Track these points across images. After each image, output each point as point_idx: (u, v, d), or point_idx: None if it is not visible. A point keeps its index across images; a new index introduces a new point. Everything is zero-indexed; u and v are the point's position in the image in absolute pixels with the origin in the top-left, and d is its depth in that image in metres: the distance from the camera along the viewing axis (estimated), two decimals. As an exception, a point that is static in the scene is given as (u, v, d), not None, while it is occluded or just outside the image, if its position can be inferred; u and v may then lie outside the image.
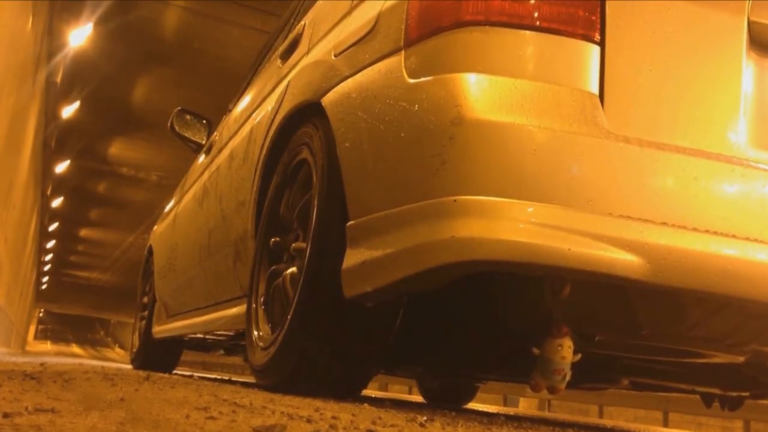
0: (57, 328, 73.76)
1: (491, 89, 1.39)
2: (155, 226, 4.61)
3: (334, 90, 1.82)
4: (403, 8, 1.58)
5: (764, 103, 1.53)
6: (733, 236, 1.40)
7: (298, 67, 2.19)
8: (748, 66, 1.52)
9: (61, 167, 16.63)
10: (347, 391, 1.84)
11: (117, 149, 16.08)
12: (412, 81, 1.50)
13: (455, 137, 1.36)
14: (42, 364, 3.11)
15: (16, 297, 18.90)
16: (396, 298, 1.63)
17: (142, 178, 17.37)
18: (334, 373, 1.79)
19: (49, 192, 18.97)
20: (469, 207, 1.34)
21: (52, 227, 24.19)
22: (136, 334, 4.55)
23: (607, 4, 1.45)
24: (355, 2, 1.91)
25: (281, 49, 2.54)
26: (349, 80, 1.76)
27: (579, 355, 1.54)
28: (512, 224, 1.31)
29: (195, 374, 4.63)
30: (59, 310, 64.12)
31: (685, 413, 15.02)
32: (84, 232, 27.03)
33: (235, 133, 2.88)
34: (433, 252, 1.37)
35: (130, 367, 4.42)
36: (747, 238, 1.40)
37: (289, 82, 2.23)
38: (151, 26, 10.13)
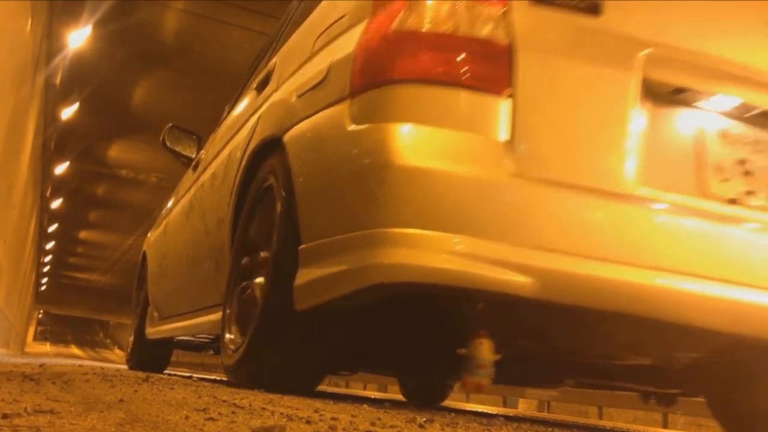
0: (56, 330, 73.72)
1: (416, 138, 1.65)
2: (149, 233, 4.90)
3: (294, 128, 2.08)
4: (349, 63, 1.83)
5: (654, 146, 1.78)
6: (618, 262, 1.65)
7: (268, 102, 2.47)
8: (641, 114, 1.77)
9: (61, 169, 16.64)
10: (304, 389, 2.10)
11: (116, 151, 16.09)
12: (353, 127, 1.76)
13: (386, 179, 1.63)
14: (41, 366, 3.11)
15: (15, 298, 18.89)
16: (342, 310, 1.85)
17: (141, 179, 17.37)
18: (291, 374, 2.08)
19: (48, 193, 18.97)
20: (396, 238, 1.61)
21: (52, 228, 24.19)
22: (132, 335, 4.86)
23: (517, 64, 1.68)
24: (315, 49, 2.16)
25: (258, 80, 2.83)
26: (306, 121, 2.02)
27: (498, 355, 1.76)
28: (430, 252, 1.59)
29: (194, 375, 4.63)
30: (58, 311, 64.08)
31: (685, 414, 15.02)
32: (83, 234, 27.03)
33: (218, 154, 3.17)
34: (365, 274, 1.65)
35: (128, 368, 4.46)
36: (629, 263, 1.66)
37: (260, 116, 2.52)
38: (150, 28, 10.13)
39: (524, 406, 19.55)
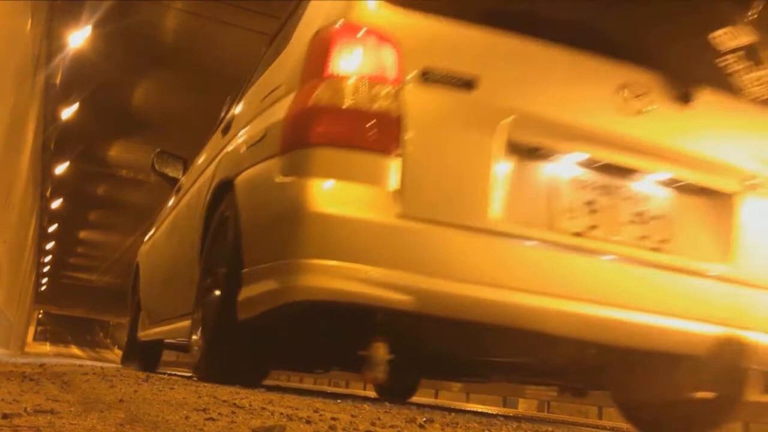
0: (56, 330, 73.70)
1: (326, 189, 2.15)
2: (142, 246, 5.47)
3: (242, 174, 2.59)
4: (280, 127, 2.34)
5: (516, 191, 2.27)
6: (483, 283, 2.15)
7: (228, 148, 3.00)
8: (505, 167, 2.25)
9: (61, 169, 16.64)
10: (251, 383, 2.51)
11: (116, 151, 16.09)
12: (281, 179, 2.25)
13: (302, 221, 2.14)
14: (41, 366, 3.11)
15: (15, 298, 18.89)
16: (274, 320, 2.30)
17: (141, 180, 17.37)
18: (239, 370, 2.57)
19: (48, 193, 18.97)
20: (310, 266, 2.10)
21: (52, 228, 24.19)
22: (127, 336, 5.46)
23: (405, 131, 2.16)
24: (260, 109, 2.66)
25: (224, 124, 3.39)
26: (250, 169, 2.52)
27: (392, 356, 2.16)
28: (335, 278, 2.08)
29: (194, 375, 4.63)
30: (58, 311, 64.07)
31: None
32: (83, 234, 27.04)
33: (193, 184, 3.73)
34: (287, 293, 2.16)
35: (134, 369, 4.55)
36: (492, 284, 2.15)
37: (220, 159, 3.07)
38: (150, 28, 10.13)
39: (524, 406, 19.55)
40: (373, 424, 1.31)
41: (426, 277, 2.11)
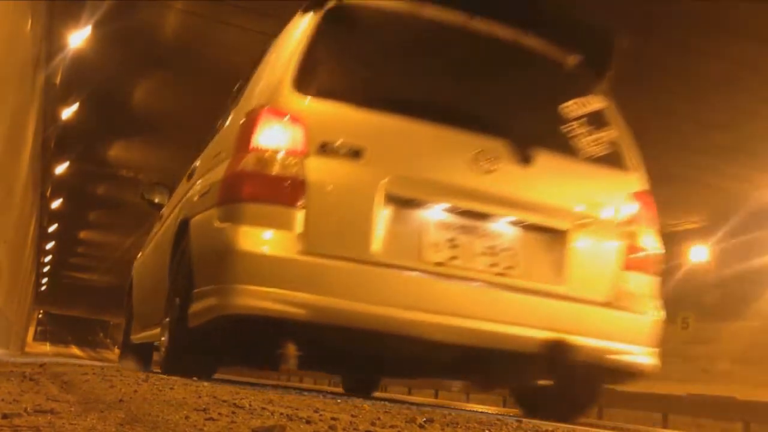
0: (56, 330, 73.63)
1: (249, 233, 2.93)
2: (135, 261, 6.30)
3: (195, 217, 3.41)
4: (219, 184, 3.15)
5: (393, 232, 3.04)
6: (365, 301, 2.93)
7: (189, 193, 3.84)
8: (385, 214, 3.03)
9: (61, 169, 16.63)
10: (205, 376, 3.32)
11: (116, 151, 16.09)
12: (218, 225, 3.06)
13: (232, 257, 2.94)
14: (41, 366, 3.11)
15: (15, 298, 18.88)
16: (213, 328, 3.08)
17: (141, 180, 17.36)
18: (192, 367, 3.34)
19: (48, 193, 18.96)
20: (237, 289, 2.90)
21: (52, 228, 24.18)
22: (122, 338, 6.41)
23: (308, 189, 2.94)
24: (210, 166, 3.53)
25: (190, 171, 4.24)
26: (200, 214, 3.33)
27: (300, 353, 2.94)
28: (255, 298, 2.87)
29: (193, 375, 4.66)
30: (58, 311, 64.02)
31: (685, 414, 15.02)
32: (83, 234, 27.03)
33: (169, 216, 4.59)
34: (220, 309, 2.96)
35: (128, 368, 4.70)
36: (372, 302, 2.94)
37: (184, 202, 3.95)
38: (149, 28, 10.12)
39: (524, 406, 19.53)
40: (373, 424, 1.31)
41: (321, 296, 2.91)
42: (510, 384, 4.54)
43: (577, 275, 3.28)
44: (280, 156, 2.99)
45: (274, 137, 3.04)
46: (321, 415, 1.40)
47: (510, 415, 3.55)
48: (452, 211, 3.16)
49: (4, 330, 16.70)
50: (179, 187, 4.59)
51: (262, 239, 2.93)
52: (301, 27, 3.31)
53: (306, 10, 3.37)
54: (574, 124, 3.46)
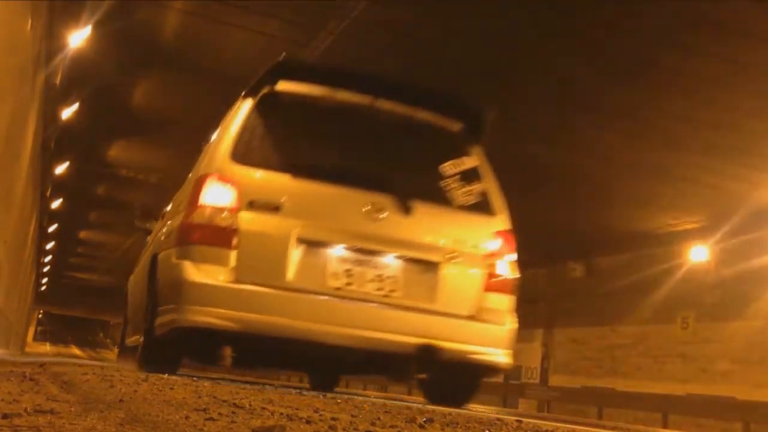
0: (56, 330, 73.59)
1: (196, 268, 4.02)
2: (130, 277, 7.17)
3: (161, 253, 4.52)
4: (176, 230, 4.26)
5: (304, 265, 4.12)
6: (281, 315, 4.04)
7: (159, 233, 5.16)
8: (297, 250, 4.13)
9: (61, 169, 16.62)
10: (169, 372, 4.33)
11: (116, 151, 16.09)
12: (175, 261, 4.13)
13: (183, 285, 4.03)
14: (41, 366, 3.11)
15: (15, 298, 18.88)
16: (171, 336, 4.20)
17: (141, 179, 17.36)
18: (159, 365, 4.44)
19: (48, 193, 18.95)
20: (188, 309, 3.99)
21: (52, 228, 24.17)
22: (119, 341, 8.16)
23: (239, 235, 4.03)
24: (175, 212, 4.72)
25: (162, 213, 5.85)
26: (164, 251, 4.46)
27: (234, 354, 4.20)
28: (200, 315, 3.97)
29: (193, 375, 4.66)
30: (58, 311, 63.99)
31: (685, 415, 15.01)
32: (83, 234, 27.02)
33: (150, 245, 5.77)
34: (174, 322, 4.05)
35: (128, 368, 4.80)
36: (287, 316, 4.05)
37: (156, 238, 5.31)
38: (150, 28, 10.12)
39: (524, 406, 19.54)
40: (373, 424, 1.31)
41: (248, 313, 4.03)
42: (397, 377, 6.28)
43: (447, 296, 4.39)
44: (219, 211, 4.13)
45: (215, 197, 4.16)
46: (321, 415, 1.40)
47: (510, 416, 3.55)
48: (349, 249, 4.27)
49: (4, 330, 16.70)
50: (156, 224, 6.02)
51: (206, 272, 4.04)
52: (241, 110, 4.44)
53: (245, 97, 4.52)
54: (452, 179, 4.58)
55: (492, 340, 4.45)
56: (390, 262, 4.31)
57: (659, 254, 16.43)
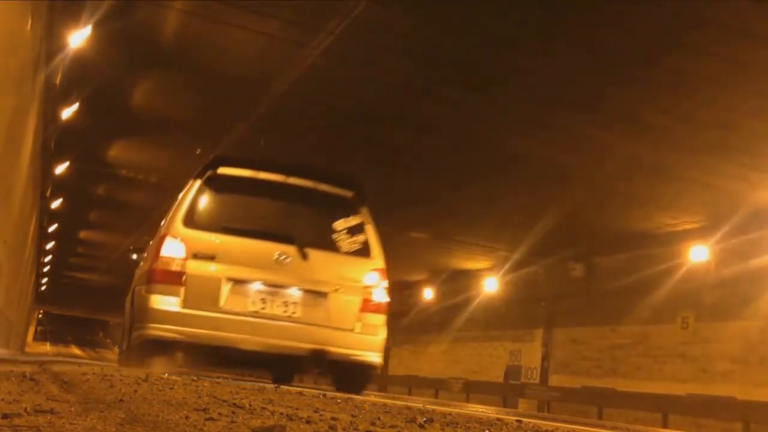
0: (56, 330, 73.57)
1: (156, 299, 6.12)
2: (126, 296, 8.84)
3: (137, 287, 6.80)
4: (145, 272, 6.57)
5: (233, 295, 6.16)
6: (217, 330, 6.10)
7: (138, 272, 7.66)
8: (227, 286, 6.15)
9: (61, 169, 16.60)
10: (142, 369, 5.88)
11: (116, 151, 16.08)
12: (144, 294, 6.25)
13: (148, 311, 6.15)
14: (41, 366, 3.11)
15: (15, 298, 18.88)
16: (142, 344, 6.34)
17: (141, 179, 17.35)
18: (134, 364, 6.51)
19: (48, 193, 18.94)
20: (149, 326, 6.12)
21: (52, 228, 24.15)
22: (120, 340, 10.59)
23: (187, 276, 6.13)
24: (146, 259, 7.15)
25: (140, 258, 8.71)
26: (137, 286, 6.78)
27: (187, 357, 6.57)
28: (159, 330, 6.10)
29: (193, 375, 4.68)
30: (58, 311, 63.97)
31: (685, 415, 15.01)
32: (83, 234, 27.00)
33: (134, 278, 7.89)
34: (143, 336, 6.19)
35: (128, 368, 4.91)
36: (222, 331, 6.10)
37: (135, 276, 7.80)
38: (150, 28, 10.11)
39: (524, 406, 19.54)
40: (373, 424, 1.31)
41: (193, 329, 5.97)
42: (302, 371, 10.04)
43: (334, 315, 6.28)
44: (173, 260, 6.04)
45: (170, 251, 6.07)
46: (321, 415, 1.40)
47: (510, 416, 3.54)
48: (263, 284, 6.18)
49: (5, 330, 16.70)
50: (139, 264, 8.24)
51: (163, 302, 5.98)
52: (192, 188, 6.34)
53: (195, 178, 6.40)
54: (342, 232, 6.49)
55: (368, 346, 6.40)
56: (293, 292, 6.23)
57: (659, 254, 16.43)
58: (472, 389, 21.69)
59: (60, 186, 18.58)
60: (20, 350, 23.75)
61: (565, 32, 8.71)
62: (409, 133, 12.55)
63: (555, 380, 19.41)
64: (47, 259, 31.75)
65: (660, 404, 15.39)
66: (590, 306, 18.70)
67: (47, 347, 55.20)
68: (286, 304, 6.13)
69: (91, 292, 41.94)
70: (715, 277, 15.14)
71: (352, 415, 1.45)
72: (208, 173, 6.39)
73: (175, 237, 6.07)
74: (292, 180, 6.61)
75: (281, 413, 1.36)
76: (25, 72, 9.30)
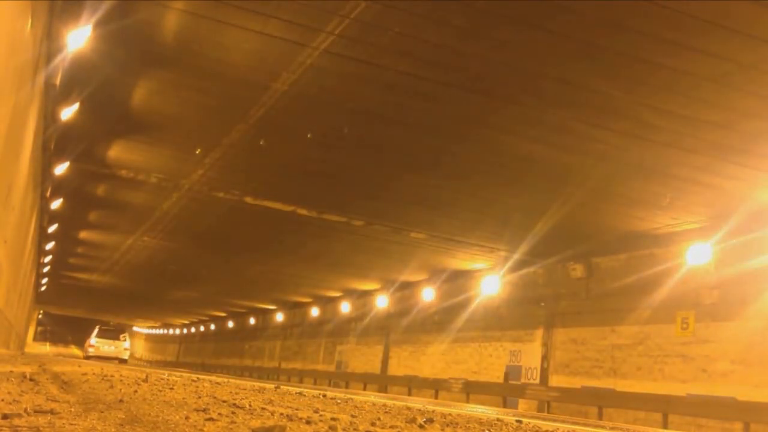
0: (56, 330, 73.61)
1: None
2: None
3: None
4: None
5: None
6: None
7: None
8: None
9: (61, 169, 16.59)
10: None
11: (116, 151, 16.07)
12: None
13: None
14: (41, 366, 3.10)
15: (15, 299, 18.87)
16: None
17: (141, 180, 17.34)
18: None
19: (48, 194, 18.94)
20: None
21: (52, 229, 24.15)
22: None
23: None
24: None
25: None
26: None
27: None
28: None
29: (193, 375, 4.64)
30: (58, 311, 64.00)
31: (685, 415, 15.00)
32: (83, 234, 27.00)
33: None
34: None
35: (128, 368, 4.69)
36: None
37: None
38: (150, 28, 10.10)
39: (524, 406, 19.53)
40: (373, 424, 1.31)
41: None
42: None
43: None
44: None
45: None
46: (321, 415, 1.40)
47: (510, 415, 3.55)
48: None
49: (5, 330, 16.69)
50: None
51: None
52: None
53: None
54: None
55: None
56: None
57: (659, 254, 16.43)
58: (472, 389, 21.69)
59: (60, 186, 18.57)
60: (20, 350, 23.74)
61: (565, 32, 8.71)
62: (409, 133, 12.55)
63: (555, 380, 19.41)
64: (47, 259, 31.77)
65: (660, 404, 15.39)
66: (590, 306, 18.70)
67: (47, 347, 55.24)
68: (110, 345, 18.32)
69: (91, 292, 41.97)
70: (715, 277, 15.15)
71: (352, 416, 1.45)
72: None
73: None
74: None
75: (281, 413, 1.36)
76: (25, 72, 9.30)
